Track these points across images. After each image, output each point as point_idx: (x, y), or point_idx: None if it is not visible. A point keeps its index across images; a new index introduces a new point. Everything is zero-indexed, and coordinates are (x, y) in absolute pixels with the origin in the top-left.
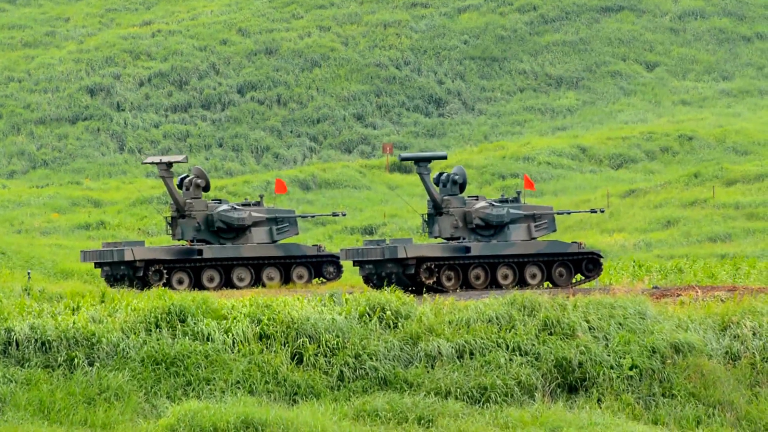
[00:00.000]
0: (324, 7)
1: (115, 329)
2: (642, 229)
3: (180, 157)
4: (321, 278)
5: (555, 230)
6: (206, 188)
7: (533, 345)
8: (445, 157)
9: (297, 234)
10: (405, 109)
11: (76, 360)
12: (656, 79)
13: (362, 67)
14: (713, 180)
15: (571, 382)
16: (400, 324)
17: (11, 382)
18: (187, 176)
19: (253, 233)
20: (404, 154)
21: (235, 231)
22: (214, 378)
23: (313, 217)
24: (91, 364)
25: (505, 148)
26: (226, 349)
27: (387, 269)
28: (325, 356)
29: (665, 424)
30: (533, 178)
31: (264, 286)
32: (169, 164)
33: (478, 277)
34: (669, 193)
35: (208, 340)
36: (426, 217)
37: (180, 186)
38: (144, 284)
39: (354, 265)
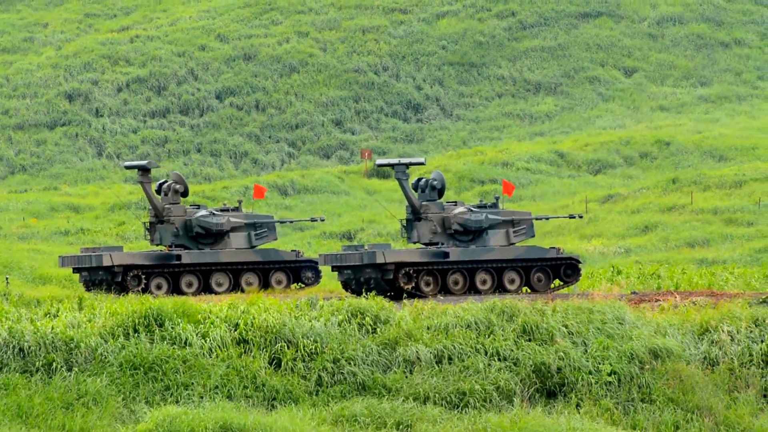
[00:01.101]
0: (303, 13)
1: (94, 334)
2: (620, 235)
3: (145, 162)
4: (300, 283)
5: (533, 236)
6: (185, 193)
7: (512, 350)
8: (423, 163)
9: (275, 239)
10: (383, 115)
11: (54, 365)
12: (634, 84)
13: (341, 73)
14: (691, 185)
15: (549, 388)
16: (378, 329)
17: None
18: (166, 181)
19: (231, 238)
20: (381, 160)
21: (213, 236)
22: (193, 383)
23: (291, 222)
24: (69, 369)
25: (483, 154)
26: (204, 353)
27: (366, 274)
28: (304, 361)
29: (644, 429)
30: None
31: (243, 291)
32: (147, 169)
33: (456, 283)
34: (647, 198)
35: (186, 344)
36: (405, 222)
37: (158, 191)
38: (122, 289)
39: (333, 270)
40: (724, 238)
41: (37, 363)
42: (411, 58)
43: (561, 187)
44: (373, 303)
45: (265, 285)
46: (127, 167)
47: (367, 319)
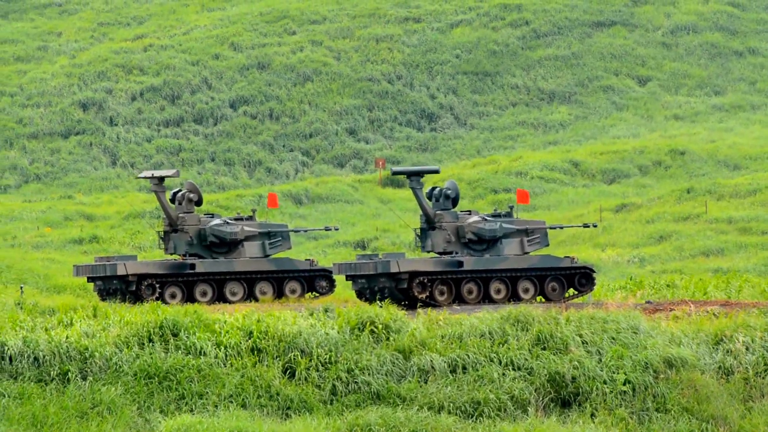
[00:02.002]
0: (317, 22)
1: (108, 343)
2: (634, 244)
3: (171, 172)
4: (313, 293)
5: (548, 245)
6: (199, 203)
7: (526, 359)
8: (437, 171)
9: (289, 248)
10: (397, 124)
11: (69, 374)
12: (648, 93)
13: (354, 82)
14: (706, 195)
15: (564, 397)
16: (392, 338)
17: (4, 396)
18: (180, 191)
19: (245, 247)
20: (396, 168)
21: (227, 245)
22: (207, 392)
23: (305, 231)
24: (84, 378)
25: (497, 163)
26: (218, 363)
27: (380, 284)
28: (318, 370)
29: None
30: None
31: (257, 300)
32: (161, 179)
33: (470, 292)
34: (661, 207)
35: (200, 354)
36: (419, 231)
37: (172, 200)
38: (137, 298)
39: (347, 279)
40: (738, 247)
41: (51, 372)
42: (425, 66)
43: (575, 196)
44: (386, 312)
45: (279, 294)
46: (158, 178)
47: (380, 328)
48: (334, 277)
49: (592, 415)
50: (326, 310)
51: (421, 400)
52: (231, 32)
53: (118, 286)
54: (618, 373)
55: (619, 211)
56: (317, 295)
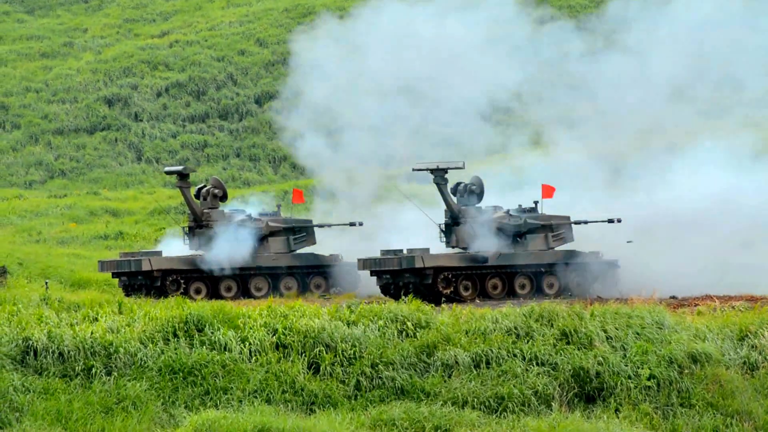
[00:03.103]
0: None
1: (133, 339)
2: None
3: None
4: (338, 288)
5: (573, 240)
6: (224, 198)
7: (550, 355)
8: (462, 167)
9: (314, 243)
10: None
11: (93, 369)
12: None
13: None
14: None
15: (588, 392)
16: (417, 334)
17: (29, 391)
18: (205, 186)
19: (270, 243)
20: (418, 166)
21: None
22: (232, 387)
23: (330, 226)
24: (108, 374)
25: (522, 157)
26: (243, 358)
27: (404, 279)
28: (342, 366)
29: None
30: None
31: (281, 295)
32: (186, 174)
33: (495, 287)
34: None
35: (225, 349)
36: (443, 227)
37: (197, 196)
38: (161, 294)
39: (371, 275)
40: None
41: (76, 367)
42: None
43: None
44: (411, 307)
45: (303, 289)
46: (167, 172)
47: (408, 324)
48: (359, 272)
49: (617, 410)
50: (349, 307)
51: (445, 395)
52: (256, 28)
53: (143, 281)
54: (642, 369)
55: None
56: (341, 290)
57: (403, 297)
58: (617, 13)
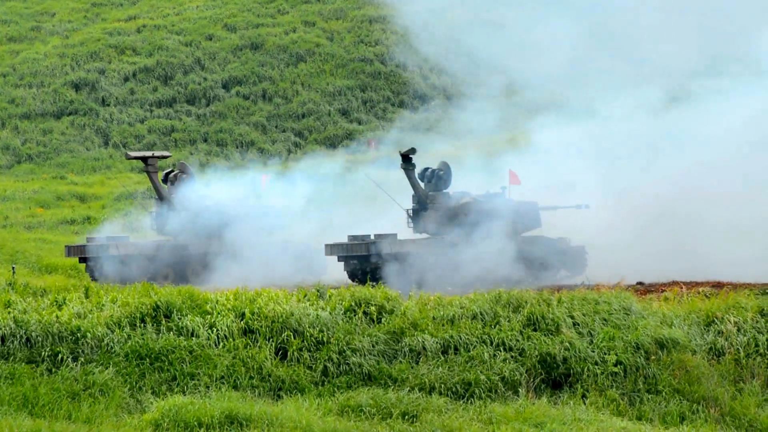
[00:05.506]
0: (309, 3)
1: (100, 324)
2: None
3: (166, 153)
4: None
5: (540, 226)
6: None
7: (517, 341)
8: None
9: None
10: (390, 105)
11: (60, 355)
12: None
13: (347, 63)
14: None
15: (555, 378)
16: (384, 319)
17: None
18: (172, 171)
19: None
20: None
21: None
22: (199, 373)
23: None
24: (75, 360)
25: (491, 144)
26: (210, 344)
27: (372, 265)
28: (309, 351)
29: (649, 420)
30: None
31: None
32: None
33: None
34: None
35: (192, 335)
36: (411, 212)
37: (165, 181)
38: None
39: (338, 260)
40: None
41: (43, 353)
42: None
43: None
44: (378, 293)
45: None
46: (150, 158)
47: (372, 309)
48: (326, 258)
49: (583, 396)
50: (318, 291)
51: (413, 381)
52: (224, 13)
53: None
54: (609, 354)
55: None
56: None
57: (369, 282)
58: None
